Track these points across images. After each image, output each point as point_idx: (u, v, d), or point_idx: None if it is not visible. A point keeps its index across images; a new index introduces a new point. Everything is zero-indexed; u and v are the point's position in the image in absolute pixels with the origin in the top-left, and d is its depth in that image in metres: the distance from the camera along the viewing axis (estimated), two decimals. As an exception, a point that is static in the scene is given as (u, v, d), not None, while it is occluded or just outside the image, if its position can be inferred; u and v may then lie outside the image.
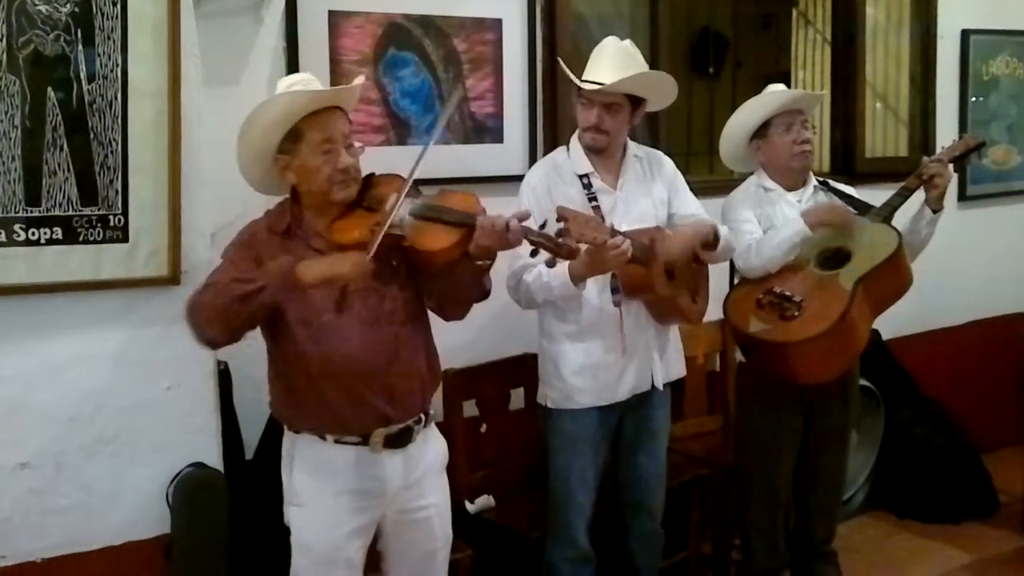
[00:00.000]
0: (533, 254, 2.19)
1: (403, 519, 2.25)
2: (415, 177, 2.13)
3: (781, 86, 3.08)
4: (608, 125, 2.64)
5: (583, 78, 2.64)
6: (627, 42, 2.66)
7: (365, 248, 2.03)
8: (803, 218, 2.87)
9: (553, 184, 2.68)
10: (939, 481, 4.00)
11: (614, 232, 2.38)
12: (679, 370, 2.91)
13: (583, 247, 2.29)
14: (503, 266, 2.41)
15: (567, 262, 2.45)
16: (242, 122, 2.11)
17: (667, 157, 2.89)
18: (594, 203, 2.66)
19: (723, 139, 3.14)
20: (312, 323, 2.10)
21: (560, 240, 2.16)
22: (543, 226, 2.16)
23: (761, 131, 3.03)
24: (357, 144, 2.18)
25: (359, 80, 2.24)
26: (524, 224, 2.12)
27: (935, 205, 2.99)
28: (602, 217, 2.61)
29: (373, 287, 2.13)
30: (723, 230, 2.76)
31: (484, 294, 2.26)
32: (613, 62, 2.61)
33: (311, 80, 2.17)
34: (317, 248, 2.14)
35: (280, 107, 2.08)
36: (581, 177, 2.69)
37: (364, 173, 2.21)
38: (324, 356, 2.09)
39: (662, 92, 2.74)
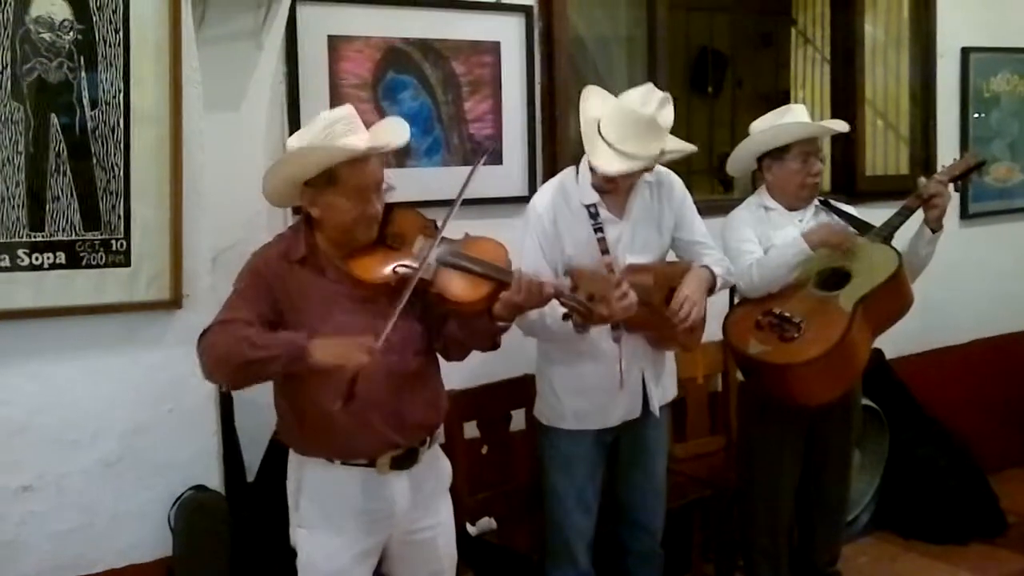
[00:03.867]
0: (566, 317, 2.19)
1: (409, 540, 2.25)
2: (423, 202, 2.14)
3: (802, 108, 3.07)
4: (619, 180, 2.59)
5: (603, 131, 2.53)
6: (651, 109, 2.48)
7: (389, 290, 2.06)
8: (804, 238, 2.87)
9: (560, 213, 2.64)
10: (945, 501, 3.98)
11: (619, 283, 2.36)
12: (672, 392, 2.90)
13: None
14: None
15: None
16: (280, 157, 2.10)
17: (678, 179, 2.82)
18: (600, 234, 2.63)
19: (738, 153, 3.10)
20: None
21: (591, 304, 2.15)
22: (574, 289, 2.17)
23: (777, 153, 3.00)
24: (388, 183, 2.15)
25: (404, 133, 2.18)
26: (557, 286, 2.14)
27: (934, 225, 2.99)
28: (606, 249, 2.61)
29: (389, 315, 2.10)
30: (720, 269, 2.75)
31: (494, 347, 2.27)
32: (637, 132, 2.49)
33: (353, 117, 2.11)
34: (332, 278, 2.13)
35: (325, 156, 2.05)
36: (588, 207, 2.65)
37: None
38: (335, 381, 2.07)
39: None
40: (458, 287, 2.09)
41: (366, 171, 2.07)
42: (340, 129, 2.07)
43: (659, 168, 2.79)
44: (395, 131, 2.18)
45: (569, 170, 2.77)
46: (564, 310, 2.20)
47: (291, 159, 2.09)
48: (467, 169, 3.08)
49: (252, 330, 2.02)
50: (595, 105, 2.63)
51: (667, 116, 2.53)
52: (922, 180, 3.05)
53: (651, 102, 2.50)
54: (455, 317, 2.18)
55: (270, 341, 2.01)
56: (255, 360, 1.98)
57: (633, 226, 2.69)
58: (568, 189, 2.69)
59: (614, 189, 2.63)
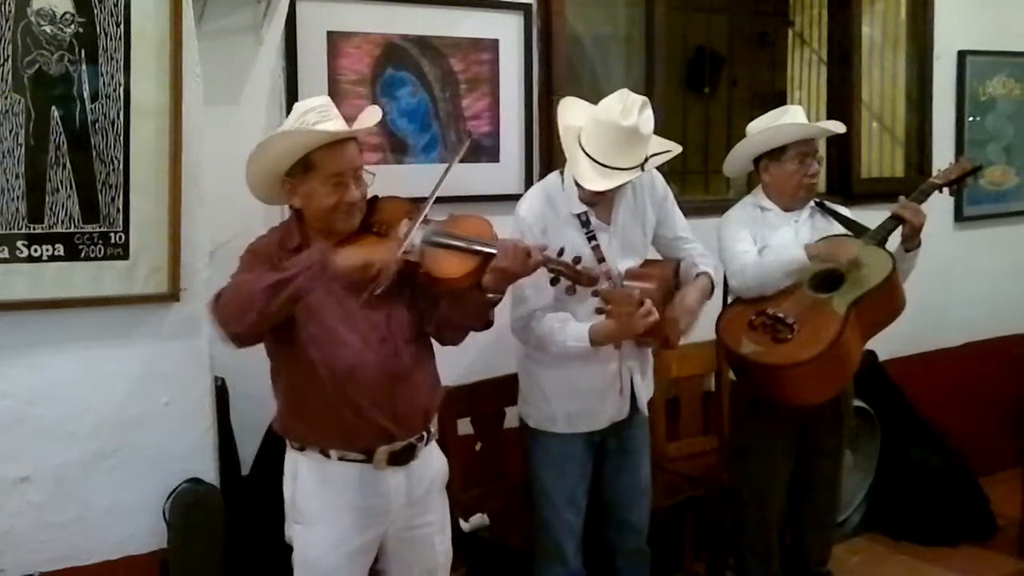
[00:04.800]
0: (553, 282, 2.21)
1: (405, 536, 2.26)
2: (417, 198, 2.15)
3: (799, 109, 3.08)
4: (611, 192, 2.59)
5: (585, 145, 2.52)
6: (632, 120, 2.45)
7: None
8: (805, 250, 2.87)
9: (549, 223, 2.62)
10: (936, 503, 4.00)
11: (642, 302, 2.38)
12: (652, 388, 2.91)
13: (603, 276, 2.31)
14: (507, 301, 2.41)
15: (587, 325, 2.50)
16: (254, 147, 2.13)
17: (659, 175, 2.82)
18: (594, 242, 2.63)
19: (735, 154, 3.11)
20: (322, 335, 2.12)
21: (580, 268, 2.18)
22: (561, 253, 2.18)
23: (775, 154, 3.01)
24: (368, 171, 2.19)
25: (375, 117, 2.23)
26: (545, 253, 2.15)
27: (908, 244, 3.00)
28: (602, 257, 2.61)
29: (381, 305, 2.15)
30: (710, 270, 2.78)
31: (487, 325, 2.28)
32: (621, 146, 2.48)
33: (328, 106, 2.16)
34: None
35: (295, 142, 2.09)
36: (578, 215, 2.64)
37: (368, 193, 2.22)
38: (331, 369, 2.11)
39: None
40: (445, 264, 2.11)
41: (341, 156, 2.11)
42: (313, 117, 2.12)
43: None
44: (367, 115, 2.23)
45: (553, 177, 2.74)
46: (551, 275, 2.20)
47: (264, 146, 2.12)
48: (464, 166, 3.12)
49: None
50: (573, 115, 2.61)
51: (648, 122, 2.50)
52: (902, 199, 3.04)
53: (631, 111, 2.46)
54: (446, 295, 2.18)
55: (291, 263, 2.03)
56: (277, 283, 1.98)
57: (621, 231, 2.69)
58: (554, 198, 2.66)
59: (602, 199, 2.63)
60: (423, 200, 2.17)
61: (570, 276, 2.18)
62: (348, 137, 2.15)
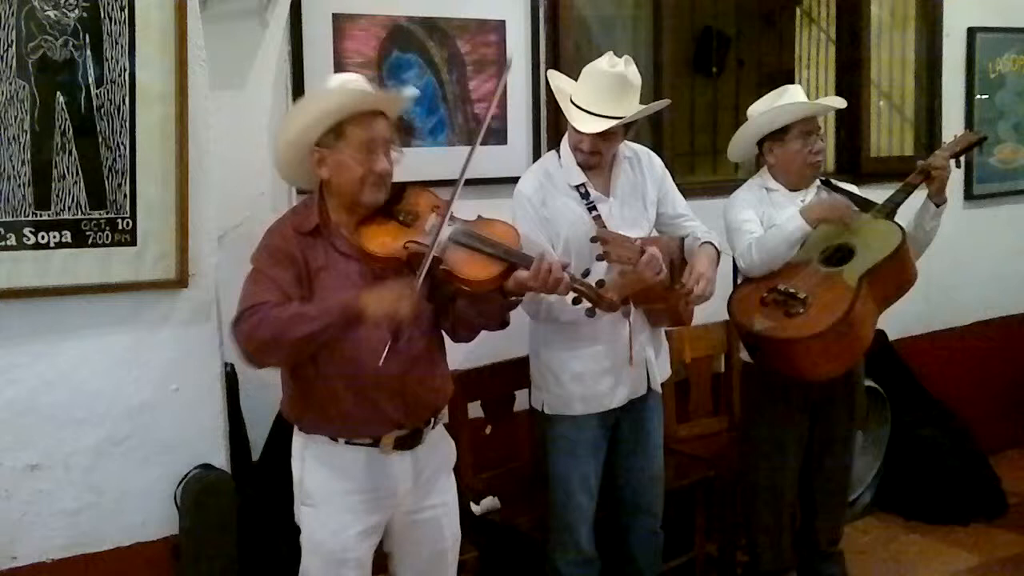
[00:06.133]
0: (575, 302, 2.21)
1: (412, 519, 2.27)
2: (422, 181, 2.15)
3: (799, 88, 3.06)
4: (603, 148, 2.62)
5: (576, 102, 2.59)
6: (620, 68, 2.56)
7: (399, 264, 2.09)
8: (802, 214, 2.87)
9: (548, 195, 2.66)
10: (946, 482, 3.99)
11: (643, 250, 2.39)
12: (668, 370, 2.92)
13: (619, 300, 2.31)
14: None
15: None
16: (291, 107, 2.14)
17: (656, 156, 2.87)
18: (594, 212, 2.65)
19: (738, 138, 3.11)
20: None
21: (601, 291, 2.18)
22: (585, 274, 2.20)
23: (777, 134, 3.01)
24: (397, 150, 2.19)
25: (412, 91, 2.25)
26: (569, 272, 2.15)
27: (936, 199, 3.00)
28: (603, 226, 2.61)
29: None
30: (715, 240, 2.78)
31: (502, 325, 2.28)
32: (609, 93, 2.54)
33: (362, 81, 2.20)
34: (343, 251, 2.15)
35: (333, 102, 2.10)
36: (577, 187, 2.67)
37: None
38: (342, 359, 2.11)
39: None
40: (470, 266, 2.11)
41: (373, 127, 2.12)
42: (352, 87, 2.14)
43: (636, 146, 2.83)
44: (401, 90, 2.27)
45: (550, 155, 2.78)
46: (574, 295, 2.20)
47: (300, 107, 2.14)
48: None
49: (295, 305, 2.05)
50: (564, 82, 2.70)
51: (636, 74, 2.59)
52: (921, 162, 3.04)
53: (617, 62, 2.56)
54: (464, 295, 2.18)
55: (322, 310, 2.04)
56: (312, 333, 2.01)
57: (621, 202, 2.72)
58: (552, 172, 2.70)
59: (599, 163, 2.65)
60: (442, 185, 2.16)
61: (591, 298, 2.18)
62: (380, 112, 2.15)
